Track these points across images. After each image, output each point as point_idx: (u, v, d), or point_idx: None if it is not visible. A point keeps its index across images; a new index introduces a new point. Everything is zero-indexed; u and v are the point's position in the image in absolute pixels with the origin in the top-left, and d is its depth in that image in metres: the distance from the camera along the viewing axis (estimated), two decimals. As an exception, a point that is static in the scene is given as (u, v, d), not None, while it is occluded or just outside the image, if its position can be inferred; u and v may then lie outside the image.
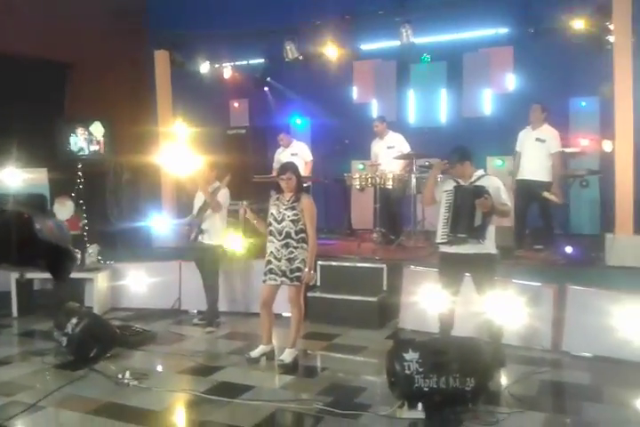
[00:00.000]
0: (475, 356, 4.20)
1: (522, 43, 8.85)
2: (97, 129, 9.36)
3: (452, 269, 5.08)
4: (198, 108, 10.10)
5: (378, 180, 7.68)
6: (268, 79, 10.71)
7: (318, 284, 6.91)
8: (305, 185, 7.12)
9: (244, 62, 10.50)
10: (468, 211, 4.89)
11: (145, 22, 11.11)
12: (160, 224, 8.55)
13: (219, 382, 4.94)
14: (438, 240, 5.12)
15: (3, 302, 7.37)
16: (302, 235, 5.27)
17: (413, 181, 7.65)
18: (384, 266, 6.82)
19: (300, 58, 9.32)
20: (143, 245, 8.69)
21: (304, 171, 8.09)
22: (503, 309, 5.29)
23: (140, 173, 9.29)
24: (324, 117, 10.21)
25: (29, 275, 7.07)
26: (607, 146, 7.46)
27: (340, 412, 4.21)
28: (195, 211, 6.74)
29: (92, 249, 7.94)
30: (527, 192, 6.96)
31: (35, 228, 2.41)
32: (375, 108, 10.40)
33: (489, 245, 5.00)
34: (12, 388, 4.84)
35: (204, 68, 9.79)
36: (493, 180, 5.15)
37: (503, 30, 8.67)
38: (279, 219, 5.30)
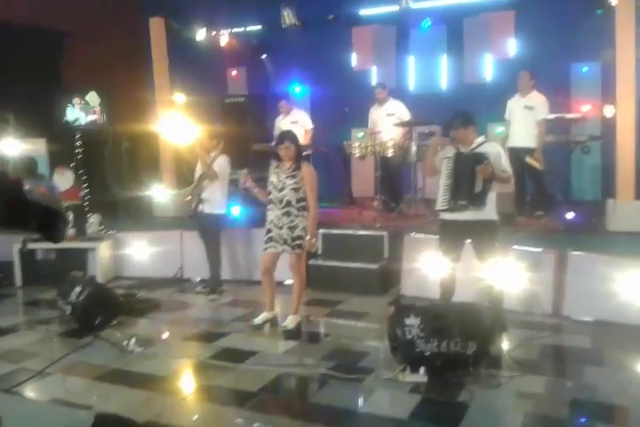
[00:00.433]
0: (476, 320, 4.23)
1: (523, 7, 8.75)
2: (93, 98, 9.30)
3: (453, 236, 5.08)
4: (195, 76, 9.99)
5: (378, 148, 7.63)
6: (264, 56, 10.58)
7: (320, 252, 6.95)
8: (305, 153, 7.11)
9: (241, 29, 10.33)
10: (469, 178, 4.87)
11: (140, -12, 10.93)
12: (160, 194, 8.55)
13: (223, 348, 5.00)
14: (438, 207, 5.11)
15: (6, 272, 7.42)
16: (303, 203, 5.27)
17: (413, 148, 7.59)
18: (385, 233, 6.83)
19: (298, 24, 9.19)
20: (144, 214, 8.69)
21: (304, 139, 8.04)
22: (504, 275, 5.31)
23: (139, 142, 9.24)
24: (323, 85, 10.11)
25: (32, 245, 7.10)
26: (608, 111, 7.41)
27: (343, 376, 4.27)
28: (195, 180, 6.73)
29: (94, 219, 7.95)
30: (518, 159, 6.96)
31: (24, 189, 2.42)
32: (375, 75, 10.29)
33: (490, 212, 4.99)
34: (18, 355, 4.90)
35: (201, 35, 9.65)
36: (494, 146, 5.12)
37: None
38: (279, 187, 5.29)
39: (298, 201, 5.26)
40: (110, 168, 9.07)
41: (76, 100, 9.25)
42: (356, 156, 7.94)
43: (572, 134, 7.61)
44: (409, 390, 4.04)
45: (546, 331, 5.23)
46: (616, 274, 5.29)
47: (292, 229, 5.24)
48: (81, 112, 9.25)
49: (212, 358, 4.74)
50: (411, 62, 10.10)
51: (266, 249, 5.36)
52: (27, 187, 2.51)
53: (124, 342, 4.97)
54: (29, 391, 4.23)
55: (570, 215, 6.47)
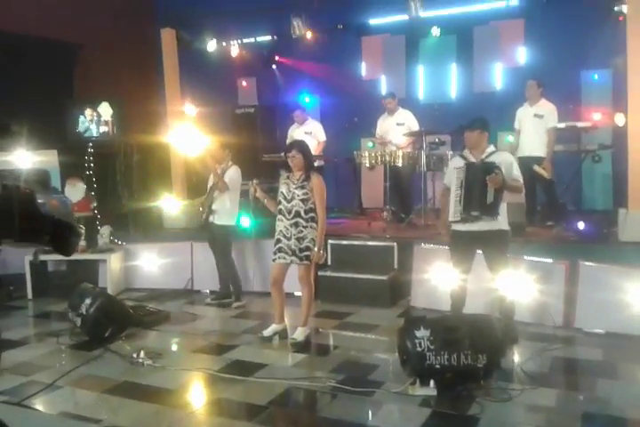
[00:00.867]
0: (486, 332, 4.20)
1: (533, 15, 8.72)
2: (105, 110, 9.36)
3: (465, 247, 5.06)
4: (206, 87, 10.07)
5: (387, 158, 7.63)
6: (274, 66, 10.64)
7: (329, 263, 6.93)
8: (318, 164, 7.10)
9: (252, 40, 10.38)
10: (480, 188, 4.87)
11: (152, 1, 11.01)
12: (170, 205, 8.58)
13: (232, 360, 4.99)
14: (451, 219, 5.09)
15: (17, 284, 7.43)
16: (312, 214, 5.26)
17: (423, 158, 7.58)
18: (394, 244, 6.80)
19: (308, 34, 9.23)
20: (155, 225, 8.71)
21: (315, 150, 8.04)
22: (515, 286, 5.27)
23: (150, 153, 9.29)
24: (332, 95, 10.13)
25: (43, 256, 7.13)
26: (620, 120, 7.37)
27: (352, 389, 4.24)
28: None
29: (105, 230, 7.98)
30: (528, 169, 6.90)
31: (37, 202, 2.42)
32: (384, 85, 10.30)
33: (501, 222, 4.98)
34: (28, 368, 4.90)
35: (211, 46, 9.70)
36: (505, 155, 5.12)
37: (514, 2, 8.50)
38: (289, 198, 5.29)
39: (306, 212, 5.25)
40: (121, 179, 9.10)
41: (87, 112, 9.31)
42: (366, 165, 7.93)
43: (583, 143, 7.57)
44: (419, 404, 4.01)
45: (557, 343, 5.17)
46: (628, 285, 5.24)
47: (299, 240, 5.23)
48: (92, 124, 9.31)
49: (221, 370, 4.72)
50: (420, 71, 10.10)
51: (275, 260, 5.36)
52: (40, 200, 2.51)
53: (134, 355, 4.96)
54: (39, 404, 4.23)
55: (581, 225, 6.41)
